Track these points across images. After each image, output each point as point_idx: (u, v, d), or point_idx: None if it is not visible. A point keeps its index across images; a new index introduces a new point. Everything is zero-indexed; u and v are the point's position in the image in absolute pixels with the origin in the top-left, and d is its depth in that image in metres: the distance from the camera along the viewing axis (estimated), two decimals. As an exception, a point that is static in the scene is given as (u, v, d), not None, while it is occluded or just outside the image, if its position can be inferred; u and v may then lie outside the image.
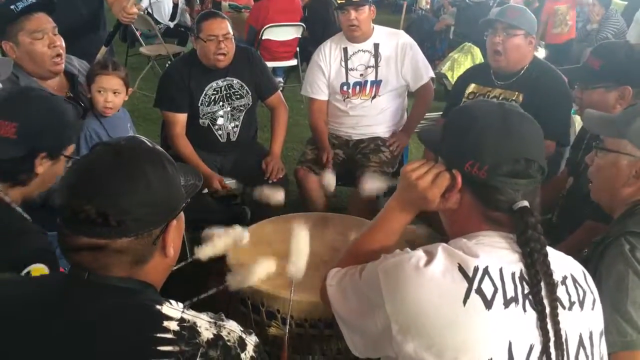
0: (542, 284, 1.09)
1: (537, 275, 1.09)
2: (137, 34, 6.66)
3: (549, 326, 1.06)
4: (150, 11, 7.23)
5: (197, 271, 1.72)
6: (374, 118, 3.13)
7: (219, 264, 1.77)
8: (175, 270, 1.19)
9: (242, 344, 1.00)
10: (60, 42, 2.26)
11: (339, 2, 2.99)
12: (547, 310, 1.07)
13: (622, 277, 1.34)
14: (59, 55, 2.25)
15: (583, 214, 1.93)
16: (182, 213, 1.10)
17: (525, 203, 1.13)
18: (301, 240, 1.65)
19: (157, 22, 7.21)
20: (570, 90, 2.72)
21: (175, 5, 7.89)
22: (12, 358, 0.94)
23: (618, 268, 1.35)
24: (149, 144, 1.07)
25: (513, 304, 1.06)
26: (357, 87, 3.09)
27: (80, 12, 3.06)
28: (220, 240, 1.66)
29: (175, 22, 7.84)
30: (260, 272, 1.66)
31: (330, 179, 2.70)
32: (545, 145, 2.53)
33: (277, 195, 2.34)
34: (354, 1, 2.92)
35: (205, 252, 1.62)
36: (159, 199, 1.01)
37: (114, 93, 2.40)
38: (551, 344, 1.06)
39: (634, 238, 1.36)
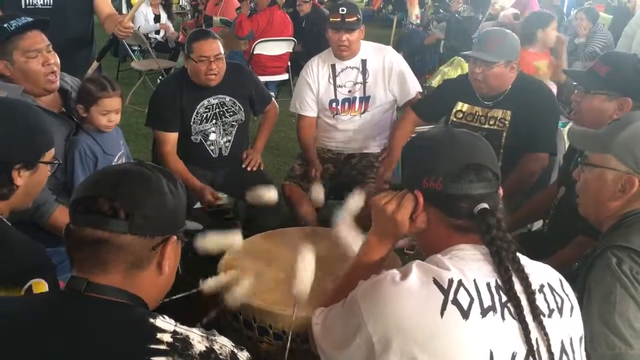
0: (522, 292, 1.11)
1: (507, 271, 1.12)
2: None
3: (532, 334, 1.08)
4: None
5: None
6: (364, 132, 3.15)
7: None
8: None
9: (234, 359, 1.02)
10: (55, 59, 2.25)
11: (331, 19, 2.96)
12: (529, 317, 1.09)
13: (610, 290, 1.35)
14: (53, 72, 2.25)
15: (574, 225, 1.94)
16: (180, 242, 1.14)
17: (485, 205, 1.18)
18: (307, 261, 1.66)
19: (148, 37, 7.24)
20: (558, 102, 2.76)
21: (157, 17, 7.92)
22: None
23: (605, 281, 1.37)
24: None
25: (491, 313, 1.09)
26: (346, 104, 3.11)
27: (72, 28, 3.07)
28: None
29: (160, 35, 7.86)
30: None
31: (318, 192, 2.70)
32: (539, 158, 2.58)
33: (270, 194, 2.34)
34: (347, 23, 2.91)
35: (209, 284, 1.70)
36: (168, 207, 1.08)
37: (116, 112, 2.39)
38: (539, 350, 1.08)
39: (620, 251, 1.38)
